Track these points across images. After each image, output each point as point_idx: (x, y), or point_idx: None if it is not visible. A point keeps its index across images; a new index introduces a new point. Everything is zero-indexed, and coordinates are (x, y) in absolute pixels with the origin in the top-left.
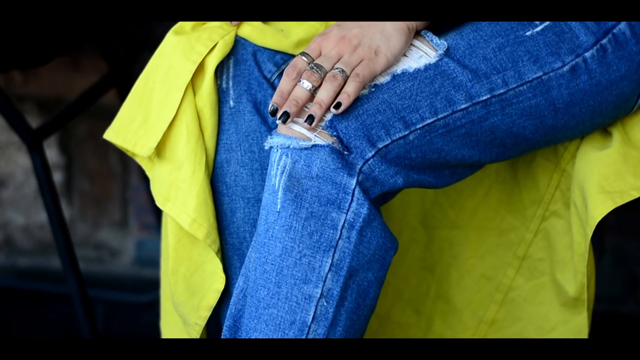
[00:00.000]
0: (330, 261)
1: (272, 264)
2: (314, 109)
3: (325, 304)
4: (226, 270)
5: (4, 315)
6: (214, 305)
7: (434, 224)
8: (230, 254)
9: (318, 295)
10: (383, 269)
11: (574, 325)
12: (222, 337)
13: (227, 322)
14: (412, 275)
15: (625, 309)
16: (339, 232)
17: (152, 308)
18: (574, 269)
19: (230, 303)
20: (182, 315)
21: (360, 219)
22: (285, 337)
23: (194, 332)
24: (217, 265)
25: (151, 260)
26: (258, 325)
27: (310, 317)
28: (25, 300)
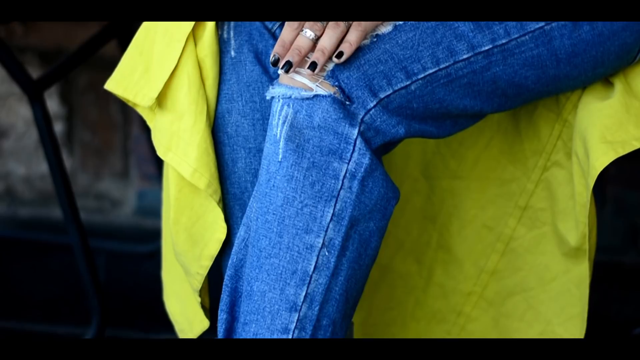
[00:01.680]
0: (331, 211)
1: (273, 214)
2: (317, 56)
3: (326, 253)
4: (227, 220)
5: (5, 266)
6: (215, 255)
7: (435, 174)
8: (231, 203)
9: (320, 245)
10: (385, 219)
11: (575, 275)
12: (223, 286)
13: (228, 272)
14: (413, 225)
15: (626, 259)
16: (340, 182)
17: (154, 258)
18: (575, 219)
19: (232, 253)
20: (183, 264)
21: (362, 169)
22: (287, 287)
23: (196, 281)
24: (218, 215)
25: (152, 210)
26: (260, 274)
27: (312, 267)
28: (27, 251)
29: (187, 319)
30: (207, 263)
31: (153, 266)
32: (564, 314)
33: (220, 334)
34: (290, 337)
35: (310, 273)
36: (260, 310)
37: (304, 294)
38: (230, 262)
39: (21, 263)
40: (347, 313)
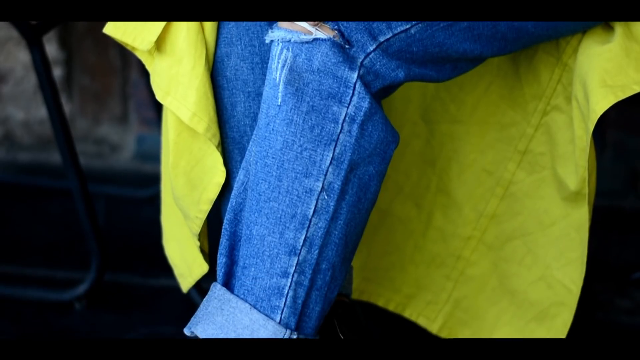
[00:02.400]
0: (331, 155)
1: (273, 158)
2: None
3: (326, 197)
4: (227, 164)
5: (4, 211)
6: (214, 199)
7: (434, 119)
8: (230, 147)
9: (319, 189)
10: (384, 163)
11: (575, 220)
12: (222, 230)
13: (227, 216)
14: (412, 170)
15: (626, 203)
16: (340, 125)
17: (153, 203)
18: (575, 164)
19: (231, 196)
20: (182, 209)
21: (362, 113)
22: (286, 230)
23: (195, 225)
24: (217, 159)
25: (151, 154)
26: (259, 218)
27: (311, 211)
28: (26, 196)
29: (186, 263)
30: (206, 207)
31: (152, 211)
32: (563, 258)
33: (219, 278)
34: (289, 280)
35: (310, 217)
36: (259, 254)
37: (303, 237)
38: (229, 206)
39: (20, 208)
40: (347, 257)
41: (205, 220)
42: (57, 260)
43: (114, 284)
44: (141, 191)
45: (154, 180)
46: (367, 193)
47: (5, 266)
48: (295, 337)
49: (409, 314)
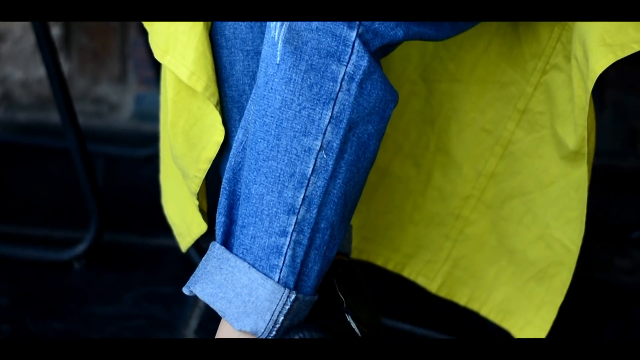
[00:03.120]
0: (330, 113)
1: (271, 117)
2: None
3: (324, 156)
4: (225, 122)
5: (3, 170)
6: (213, 158)
7: (434, 77)
8: (229, 106)
9: (318, 148)
10: (383, 122)
11: (574, 179)
12: (221, 189)
13: (226, 175)
14: (411, 129)
15: (625, 163)
16: (338, 84)
17: (152, 162)
18: (574, 123)
19: (230, 156)
20: (181, 168)
21: (360, 72)
22: (285, 189)
23: (194, 184)
24: (216, 117)
25: (150, 114)
26: (258, 177)
27: (310, 170)
28: (24, 155)
29: (185, 222)
30: (205, 166)
31: (151, 170)
32: (563, 218)
33: (218, 237)
34: (288, 239)
35: (309, 176)
36: (258, 213)
37: (302, 196)
38: (228, 165)
39: (19, 167)
40: (346, 216)
41: (204, 180)
42: (56, 219)
43: (113, 244)
44: (140, 151)
45: (153, 139)
46: (366, 152)
47: (4, 226)
48: (293, 296)
49: (408, 273)
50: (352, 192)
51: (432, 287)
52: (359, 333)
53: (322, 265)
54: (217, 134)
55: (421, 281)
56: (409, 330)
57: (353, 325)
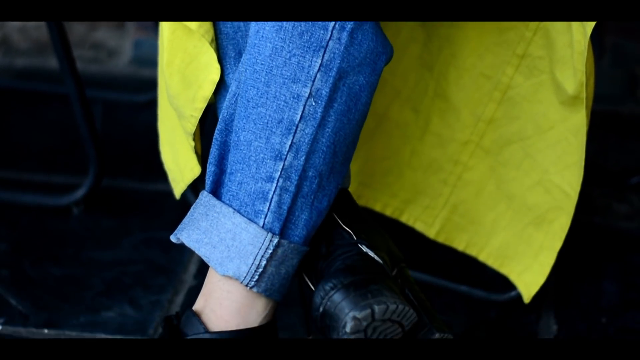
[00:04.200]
0: (319, 61)
1: (261, 64)
2: None
3: (313, 103)
4: (221, 60)
5: (2, 116)
6: (209, 97)
7: (432, 22)
8: (224, 43)
9: (306, 95)
10: (374, 74)
11: (573, 124)
12: (213, 140)
13: (218, 126)
14: (410, 74)
15: (624, 108)
16: (329, 32)
17: (150, 107)
18: (573, 67)
19: (223, 107)
20: (177, 108)
21: (351, 21)
22: (273, 135)
23: (189, 124)
24: (211, 56)
25: (149, 59)
26: (247, 124)
27: (298, 116)
28: (23, 101)
29: (179, 167)
30: (201, 105)
31: (150, 115)
32: (561, 163)
33: (207, 186)
34: (274, 185)
35: (297, 122)
36: (245, 160)
37: (289, 143)
38: (220, 116)
39: (18, 113)
40: (336, 168)
41: (199, 121)
42: (55, 165)
43: (111, 189)
44: (139, 96)
45: (152, 85)
46: (357, 104)
47: (3, 172)
48: (276, 240)
49: (406, 218)
50: (344, 144)
51: (431, 232)
52: (379, 260)
53: (311, 214)
54: (213, 72)
55: (419, 227)
56: None
57: (371, 254)
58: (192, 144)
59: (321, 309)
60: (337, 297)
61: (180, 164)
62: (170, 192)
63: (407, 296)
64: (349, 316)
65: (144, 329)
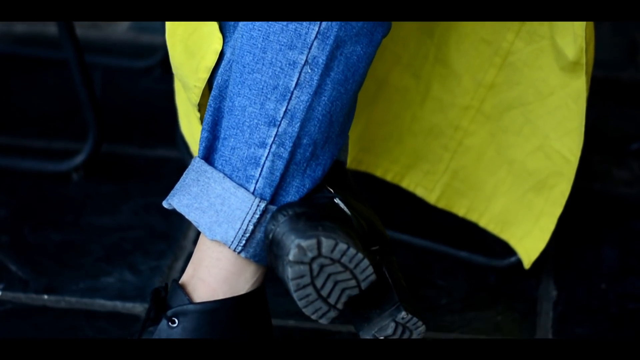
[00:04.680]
0: (316, 29)
1: (258, 30)
2: None
3: (309, 70)
4: (223, 30)
5: (1, 82)
6: (212, 67)
7: None
8: None
9: (302, 62)
10: (372, 45)
11: (573, 90)
12: (207, 106)
13: (213, 92)
14: (410, 39)
15: (624, 75)
16: None
17: (150, 73)
18: (573, 33)
19: (217, 73)
20: (181, 79)
21: None
22: (267, 101)
23: (194, 95)
24: (213, 25)
25: (149, 25)
26: (242, 90)
27: (294, 83)
28: (22, 67)
29: (194, 139)
30: (205, 75)
31: (149, 81)
32: (562, 128)
33: (199, 152)
34: (266, 151)
35: (292, 89)
36: (239, 125)
37: (283, 109)
38: (215, 82)
39: (17, 79)
40: (332, 138)
41: (205, 91)
42: (54, 131)
43: (111, 155)
44: (138, 62)
45: (151, 51)
46: (355, 74)
47: (2, 137)
48: (264, 204)
49: (407, 184)
50: (339, 114)
51: (431, 198)
52: (348, 212)
53: (303, 182)
54: (216, 42)
55: (420, 192)
56: (407, 240)
57: (342, 205)
58: (198, 115)
59: (270, 236)
60: (286, 224)
61: (195, 135)
62: (170, 158)
63: (382, 273)
64: (294, 243)
65: (143, 294)
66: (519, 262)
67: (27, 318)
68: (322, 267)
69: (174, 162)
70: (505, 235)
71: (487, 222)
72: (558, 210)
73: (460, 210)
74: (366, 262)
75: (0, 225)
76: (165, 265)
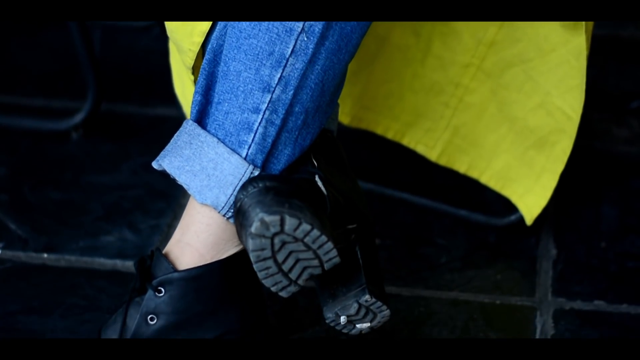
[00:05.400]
0: None
1: None
2: None
3: (305, 39)
4: None
5: (1, 41)
6: (207, 31)
7: None
8: None
9: (299, 30)
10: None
11: (574, 46)
12: (200, 69)
13: (207, 56)
14: None
15: (625, 32)
16: None
17: (149, 32)
18: None
19: (212, 38)
20: (176, 42)
21: None
22: (262, 67)
23: (188, 58)
24: None
25: None
26: (237, 55)
27: (289, 50)
28: (21, 26)
29: (187, 100)
30: (199, 39)
31: (149, 39)
32: (563, 85)
33: (192, 115)
34: (260, 117)
35: (287, 56)
36: (234, 90)
37: (278, 76)
38: (209, 46)
39: (16, 37)
40: (322, 107)
41: (199, 54)
42: (54, 89)
43: (110, 113)
44: (138, 20)
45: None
46: (348, 45)
47: (2, 96)
48: (257, 172)
49: (408, 141)
50: (331, 84)
51: (432, 155)
52: (324, 191)
53: (294, 150)
54: None
55: (421, 150)
56: (407, 199)
57: (320, 183)
58: (192, 77)
59: (238, 205)
60: (254, 196)
61: (187, 96)
62: (169, 117)
63: (354, 252)
64: (258, 217)
65: (143, 253)
66: (519, 221)
67: (26, 277)
68: (284, 243)
69: (173, 120)
70: (506, 192)
71: (489, 179)
72: (559, 167)
73: (462, 167)
74: (330, 245)
75: (0, 183)
76: (165, 223)
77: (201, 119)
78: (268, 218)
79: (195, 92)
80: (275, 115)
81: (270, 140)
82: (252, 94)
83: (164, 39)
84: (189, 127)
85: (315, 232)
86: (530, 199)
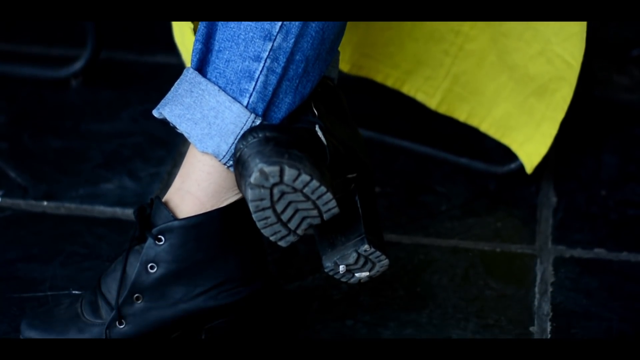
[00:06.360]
0: None
1: None
2: None
3: None
4: None
5: None
6: None
7: None
8: None
9: None
10: None
11: None
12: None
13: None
14: None
15: None
16: None
17: None
18: None
19: None
20: None
21: None
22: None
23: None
24: None
25: None
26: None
27: None
28: None
29: (186, 48)
30: None
31: None
32: (563, 33)
33: (192, 63)
34: (261, 65)
35: None
36: (235, 38)
37: (279, 24)
38: None
39: None
40: (322, 55)
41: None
42: (53, 37)
43: (110, 61)
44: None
45: None
46: None
47: (2, 44)
48: (259, 121)
49: (408, 89)
50: (332, 32)
51: (432, 103)
52: (324, 141)
53: (294, 99)
54: None
55: (421, 97)
56: (407, 147)
57: (320, 133)
58: (191, 25)
59: (238, 154)
60: (254, 146)
61: (186, 45)
62: (169, 64)
63: (353, 201)
64: (257, 167)
65: (142, 200)
66: (519, 169)
67: (26, 224)
68: (283, 193)
69: (173, 68)
70: (506, 140)
71: (488, 127)
72: (560, 115)
73: (461, 116)
74: (329, 195)
75: (0, 131)
76: (165, 171)
77: (202, 67)
78: (267, 168)
79: (196, 40)
80: (276, 64)
81: (271, 89)
82: (253, 41)
83: None
84: (189, 75)
85: (315, 183)
86: (531, 147)
